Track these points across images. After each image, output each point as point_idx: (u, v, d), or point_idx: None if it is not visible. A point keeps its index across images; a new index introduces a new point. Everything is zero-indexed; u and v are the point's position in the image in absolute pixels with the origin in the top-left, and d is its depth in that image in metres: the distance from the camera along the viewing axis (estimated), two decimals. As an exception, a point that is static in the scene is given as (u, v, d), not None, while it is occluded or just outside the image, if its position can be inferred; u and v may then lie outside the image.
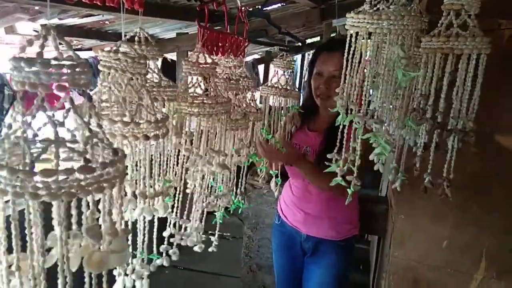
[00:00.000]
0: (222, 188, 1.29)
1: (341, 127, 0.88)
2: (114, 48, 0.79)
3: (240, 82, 1.34)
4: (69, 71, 0.52)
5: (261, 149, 1.45)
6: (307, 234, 1.75)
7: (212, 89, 1.07)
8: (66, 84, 0.53)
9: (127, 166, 0.88)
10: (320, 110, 1.71)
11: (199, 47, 1.09)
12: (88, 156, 0.58)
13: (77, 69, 0.53)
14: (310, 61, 1.72)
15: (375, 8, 0.80)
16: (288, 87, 1.51)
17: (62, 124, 0.56)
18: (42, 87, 0.51)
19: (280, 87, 1.50)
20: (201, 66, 1.03)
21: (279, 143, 1.52)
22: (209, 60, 1.08)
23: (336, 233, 1.71)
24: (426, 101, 0.93)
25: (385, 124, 0.90)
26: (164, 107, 1.04)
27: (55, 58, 0.53)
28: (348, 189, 0.89)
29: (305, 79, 1.62)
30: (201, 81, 1.07)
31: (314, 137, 1.69)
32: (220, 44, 1.25)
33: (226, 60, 1.32)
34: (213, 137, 1.12)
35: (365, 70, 0.83)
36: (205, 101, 1.04)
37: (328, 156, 0.94)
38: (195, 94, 1.08)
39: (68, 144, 0.57)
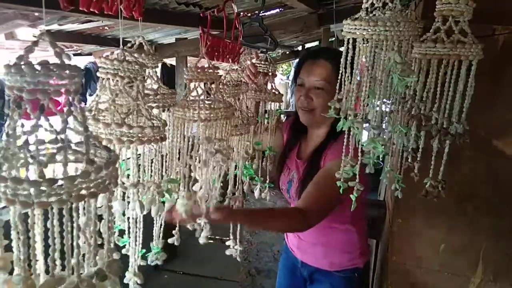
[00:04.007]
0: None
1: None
2: (113, 56, 0.80)
3: (240, 87, 1.35)
4: (59, 76, 0.52)
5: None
6: (302, 260, 1.63)
7: (216, 95, 1.09)
8: (60, 90, 0.53)
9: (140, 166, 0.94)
10: (308, 130, 1.56)
11: (203, 53, 1.10)
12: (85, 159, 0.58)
13: (77, 73, 0.53)
14: (295, 71, 1.56)
15: (371, 15, 0.81)
16: (273, 90, 1.45)
17: (62, 130, 0.56)
18: (29, 93, 0.51)
19: (264, 91, 1.42)
20: (205, 72, 1.05)
21: (271, 150, 1.49)
22: (210, 66, 1.10)
23: (330, 263, 1.55)
24: (431, 106, 0.94)
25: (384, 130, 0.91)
26: (164, 112, 1.07)
27: (42, 64, 0.52)
28: (351, 196, 0.90)
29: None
30: (204, 87, 1.08)
31: (300, 164, 1.55)
32: (220, 50, 1.27)
33: (226, 65, 1.34)
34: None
35: (363, 75, 0.84)
36: (209, 107, 1.04)
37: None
38: (197, 100, 1.09)
39: (73, 147, 0.58)
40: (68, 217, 0.52)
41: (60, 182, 0.49)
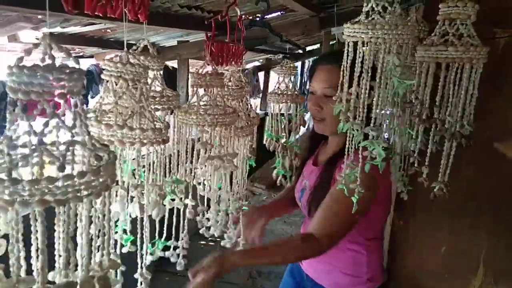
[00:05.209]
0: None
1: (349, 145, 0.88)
2: (117, 58, 0.81)
3: (244, 88, 1.38)
4: (60, 78, 0.52)
5: None
6: (306, 274, 1.52)
7: (219, 100, 1.11)
8: (63, 91, 0.53)
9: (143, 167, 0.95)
10: (328, 137, 1.46)
11: (207, 60, 1.13)
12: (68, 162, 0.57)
13: (67, 77, 0.53)
14: (309, 77, 1.47)
15: (370, 18, 0.82)
16: (295, 92, 1.64)
17: (42, 133, 0.54)
18: (34, 94, 0.51)
19: (288, 93, 1.62)
20: (208, 77, 1.07)
21: (289, 143, 1.65)
22: (213, 73, 1.12)
23: (331, 283, 1.44)
24: (440, 110, 0.95)
25: (385, 132, 0.91)
26: (169, 115, 1.09)
27: (38, 66, 0.52)
28: (352, 198, 0.90)
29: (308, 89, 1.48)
30: (205, 93, 1.10)
31: (314, 171, 1.45)
32: (224, 54, 1.28)
33: (228, 68, 1.36)
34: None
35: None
36: (210, 112, 1.06)
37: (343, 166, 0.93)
38: (202, 105, 1.11)
39: (49, 148, 0.57)
40: (38, 221, 0.51)
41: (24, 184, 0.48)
